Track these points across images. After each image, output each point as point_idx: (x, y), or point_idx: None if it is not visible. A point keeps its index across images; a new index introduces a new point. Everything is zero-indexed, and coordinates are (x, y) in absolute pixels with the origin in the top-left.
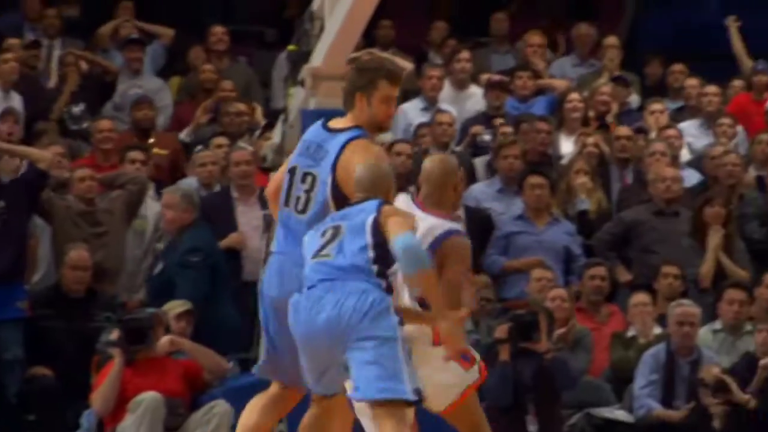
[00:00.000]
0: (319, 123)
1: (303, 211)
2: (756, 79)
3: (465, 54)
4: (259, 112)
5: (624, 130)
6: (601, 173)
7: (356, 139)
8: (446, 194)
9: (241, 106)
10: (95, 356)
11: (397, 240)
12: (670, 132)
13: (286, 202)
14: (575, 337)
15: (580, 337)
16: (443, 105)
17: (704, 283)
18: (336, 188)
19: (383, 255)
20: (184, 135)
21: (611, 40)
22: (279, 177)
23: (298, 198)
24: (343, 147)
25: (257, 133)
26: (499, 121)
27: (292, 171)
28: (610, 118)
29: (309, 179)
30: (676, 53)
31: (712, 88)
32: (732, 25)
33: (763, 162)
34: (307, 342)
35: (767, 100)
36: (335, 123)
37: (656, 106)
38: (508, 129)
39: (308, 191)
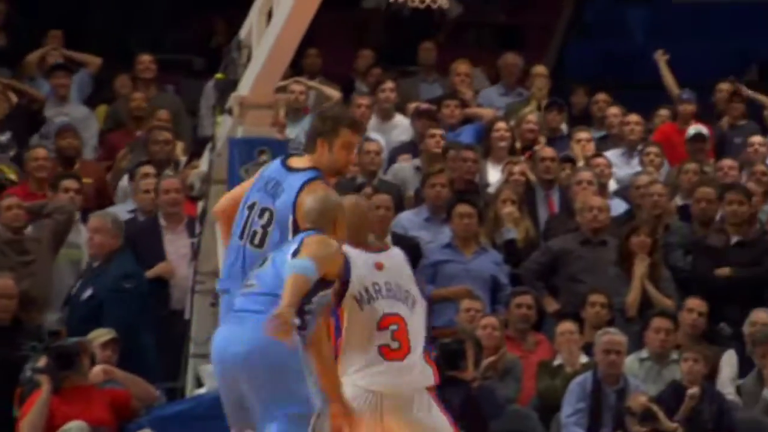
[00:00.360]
0: (278, 160)
1: (260, 245)
2: (681, 109)
3: (389, 84)
4: (179, 147)
5: (548, 152)
6: (528, 200)
7: (313, 181)
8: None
9: (168, 135)
10: (19, 388)
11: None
12: (599, 161)
13: (241, 235)
14: (505, 366)
15: (510, 366)
16: (371, 134)
17: (630, 311)
18: (296, 226)
19: None
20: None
21: (539, 69)
22: (231, 196)
23: (255, 232)
24: (301, 187)
25: (183, 160)
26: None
27: (251, 207)
28: (538, 147)
29: (266, 215)
30: (601, 82)
31: (633, 117)
32: (660, 58)
33: (689, 191)
34: (222, 372)
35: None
36: (294, 162)
37: (582, 135)
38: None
39: (265, 226)
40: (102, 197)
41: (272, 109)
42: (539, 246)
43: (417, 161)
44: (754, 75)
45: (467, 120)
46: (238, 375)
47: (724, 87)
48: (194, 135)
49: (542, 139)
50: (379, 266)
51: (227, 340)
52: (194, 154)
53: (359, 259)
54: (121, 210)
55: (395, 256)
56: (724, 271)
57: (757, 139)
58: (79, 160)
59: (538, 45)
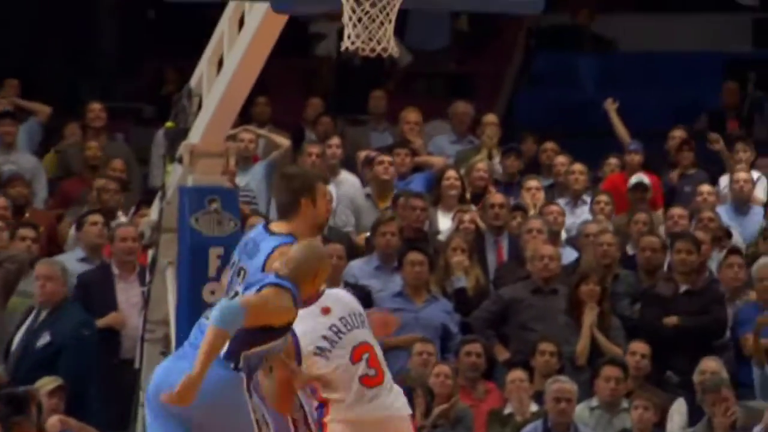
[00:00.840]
0: (262, 223)
1: None
2: (629, 159)
3: (335, 140)
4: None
5: (498, 198)
6: (478, 247)
7: (286, 245)
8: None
9: (113, 185)
10: None
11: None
12: (552, 208)
13: (227, 294)
14: (456, 415)
15: (461, 414)
16: None
17: (580, 360)
18: None
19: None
20: None
21: (489, 117)
22: None
23: (236, 292)
24: (272, 250)
25: (132, 210)
26: None
27: (233, 265)
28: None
29: (242, 273)
30: (552, 131)
31: (578, 167)
32: (610, 107)
33: (638, 241)
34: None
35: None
36: (275, 226)
37: (531, 183)
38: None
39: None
40: (52, 246)
41: (223, 158)
42: (489, 294)
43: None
44: (704, 124)
45: (418, 168)
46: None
47: (676, 135)
48: (144, 184)
49: (492, 188)
50: (325, 311)
51: (168, 371)
52: (142, 202)
53: (304, 314)
54: (70, 258)
55: (331, 293)
56: (672, 320)
57: (706, 188)
58: (29, 209)
59: (489, 93)
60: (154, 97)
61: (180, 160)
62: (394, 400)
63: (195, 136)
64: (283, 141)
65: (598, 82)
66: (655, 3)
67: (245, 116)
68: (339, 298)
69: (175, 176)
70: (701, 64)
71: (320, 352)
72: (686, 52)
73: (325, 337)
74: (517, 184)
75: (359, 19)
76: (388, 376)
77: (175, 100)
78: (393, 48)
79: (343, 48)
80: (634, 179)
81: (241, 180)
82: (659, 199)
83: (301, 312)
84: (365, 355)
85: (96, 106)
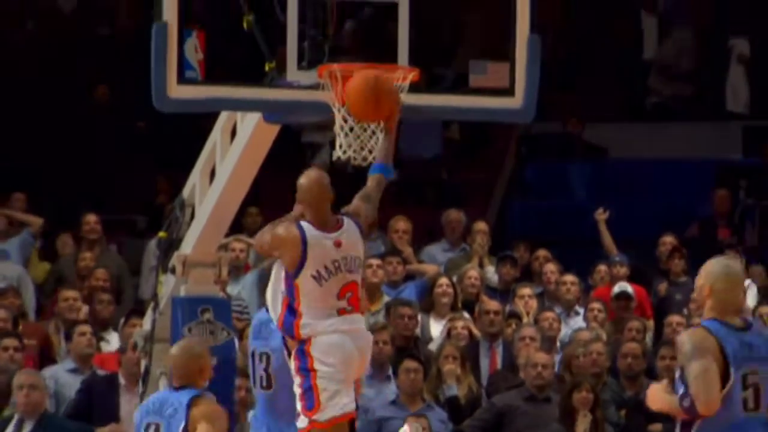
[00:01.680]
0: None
1: (268, 387)
2: (614, 271)
3: None
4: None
5: (493, 305)
6: (471, 354)
7: None
8: None
9: (106, 296)
10: None
11: None
12: (547, 314)
13: (254, 383)
14: None
15: None
16: None
17: None
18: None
19: None
20: None
21: (480, 225)
22: None
23: (261, 377)
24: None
25: (122, 321)
26: None
27: (252, 355)
28: (482, 300)
29: (264, 358)
30: (543, 239)
31: (569, 277)
32: (599, 217)
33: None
34: None
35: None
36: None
37: (524, 291)
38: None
39: (266, 368)
40: (45, 358)
41: (215, 268)
42: (482, 402)
43: None
44: (695, 232)
45: (410, 277)
46: None
47: (666, 242)
48: (136, 294)
49: (484, 296)
50: (338, 244)
51: None
52: (132, 311)
53: (322, 241)
54: (60, 369)
55: (349, 228)
56: (656, 427)
57: None
58: (22, 322)
59: (480, 202)
60: (146, 208)
61: (172, 271)
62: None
63: (187, 246)
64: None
65: (589, 189)
66: (645, 111)
67: (236, 226)
68: (353, 239)
69: (167, 286)
70: (692, 172)
71: (317, 276)
72: (677, 160)
73: (326, 267)
74: (511, 292)
75: (351, 129)
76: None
77: (168, 211)
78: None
79: (335, 157)
80: (617, 288)
81: (232, 289)
82: (648, 308)
83: (321, 241)
84: (349, 293)
85: (91, 218)
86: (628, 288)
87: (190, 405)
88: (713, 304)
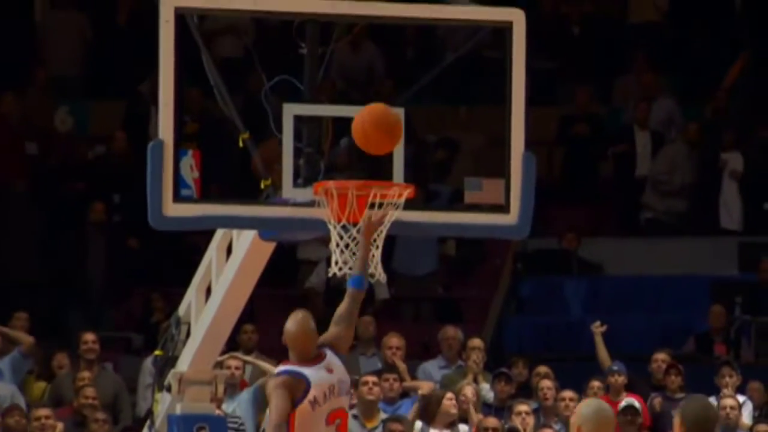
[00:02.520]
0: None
1: None
2: (612, 380)
3: None
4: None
5: (492, 422)
6: None
7: None
8: None
9: (101, 415)
10: None
11: None
12: (546, 431)
13: None
14: None
15: None
16: None
17: None
18: None
19: None
20: None
21: (475, 341)
22: None
23: None
24: None
25: None
26: None
27: None
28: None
29: None
30: (540, 355)
31: (568, 393)
32: (596, 330)
33: None
34: None
35: (621, 401)
36: None
37: (521, 408)
38: None
39: None
40: None
41: (211, 385)
42: None
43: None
44: (691, 347)
45: (405, 393)
46: None
47: (659, 358)
48: (133, 412)
49: (479, 413)
50: (329, 370)
51: None
52: (128, 429)
53: (317, 371)
54: None
55: (332, 358)
56: None
57: None
58: None
59: (477, 318)
60: (142, 326)
61: (168, 389)
62: None
63: (183, 364)
64: (270, 367)
65: (585, 305)
66: (641, 227)
67: (231, 343)
68: (339, 365)
69: (163, 404)
70: (688, 288)
71: (313, 401)
72: (673, 276)
73: (324, 393)
74: (508, 409)
75: (347, 245)
76: None
77: (164, 329)
78: (380, 274)
79: (330, 274)
80: (624, 402)
81: (227, 407)
82: (646, 420)
83: (316, 373)
84: (338, 420)
85: (89, 337)
86: (635, 402)
87: None
88: None
